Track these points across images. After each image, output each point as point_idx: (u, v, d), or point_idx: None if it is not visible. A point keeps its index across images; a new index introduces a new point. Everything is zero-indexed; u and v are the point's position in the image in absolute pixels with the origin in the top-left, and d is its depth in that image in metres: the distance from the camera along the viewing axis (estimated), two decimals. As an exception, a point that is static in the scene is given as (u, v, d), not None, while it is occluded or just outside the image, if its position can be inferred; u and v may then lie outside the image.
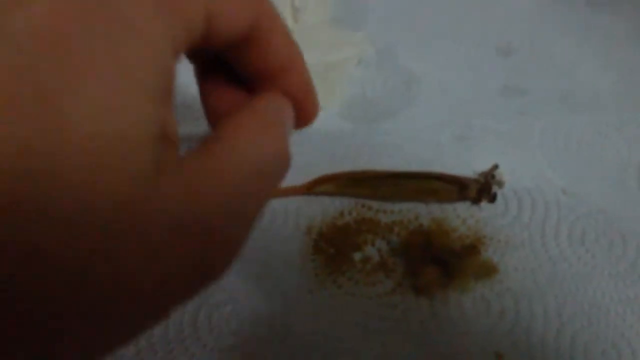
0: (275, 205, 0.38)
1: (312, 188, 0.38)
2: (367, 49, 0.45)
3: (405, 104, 0.43)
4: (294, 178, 0.38)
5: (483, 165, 0.38)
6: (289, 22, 0.45)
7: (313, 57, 0.41)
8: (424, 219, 0.37)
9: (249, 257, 0.35)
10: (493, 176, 0.37)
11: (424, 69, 0.45)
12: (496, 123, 0.41)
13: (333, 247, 0.36)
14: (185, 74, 0.21)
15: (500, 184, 0.37)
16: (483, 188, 0.37)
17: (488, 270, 0.35)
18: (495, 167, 0.37)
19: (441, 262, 0.35)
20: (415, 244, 0.36)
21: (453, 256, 0.35)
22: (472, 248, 0.35)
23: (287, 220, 0.37)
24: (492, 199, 0.37)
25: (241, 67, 0.20)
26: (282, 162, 0.19)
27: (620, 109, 0.42)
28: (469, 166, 0.39)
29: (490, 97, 0.43)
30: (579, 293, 0.34)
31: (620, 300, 0.34)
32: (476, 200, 0.37)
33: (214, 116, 0.22)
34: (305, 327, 0.33)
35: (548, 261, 0.35)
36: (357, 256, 0.36)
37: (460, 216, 0.37)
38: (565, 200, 0.38)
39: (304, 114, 0.22)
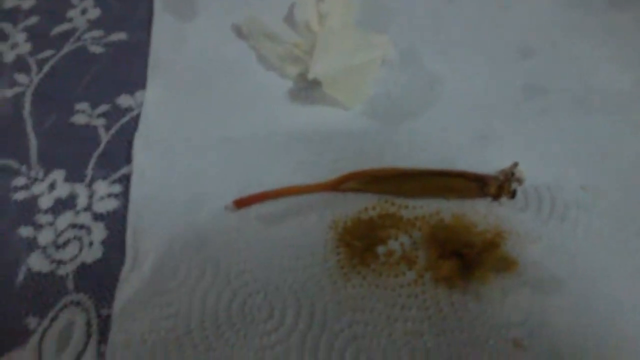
0: (303, 201, 0.39)
1: (338, 185, 0.39)
2: (391, 51, 0.47)
3: (428, 104, 0.44)
4: (320, 175, 0.40)
5: (503, 164, 0.39)
6: (315, 27, 0.47)
7: (339, 60, 0.43)
8: (445, 215, 0.39)
9: (279, 249, 0.38)
10: (513, 173, 0.38)
11: (446, 70, 0.46)
12: (516, 123, 0.43)
13: (358, 241, 0.38)
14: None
15: (520, 181, 0.38)
16: (503, 185, 0.38)
17: (507, 264, 0.36)
18: (515, 164, 0.38)
19: (461, 256, 0.36)
20: (436, 238, 0.37)
21: (473, 250, 0.36)
22: (491, 242, 0.36)
23: (314, 215, 0.39)
24: (512, 195, 0.38)
25: None
26: None
27: (638, 110, 0.43)
28: (489, 164, 0.40)
29: (511, 98, 0.44)
30: (595, 288, 0.35)
31: (638, 295, 0.35)
32: (496, 197, 0.39)
33: None
34: (329, 315, 0.35)
35: (566, 256, 0.36)
36: (381, 250, 0.37)
37: (481, 212, 0.39)
38: (584, 197, 0.39)
39: None
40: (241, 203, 0.39)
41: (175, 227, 0.39)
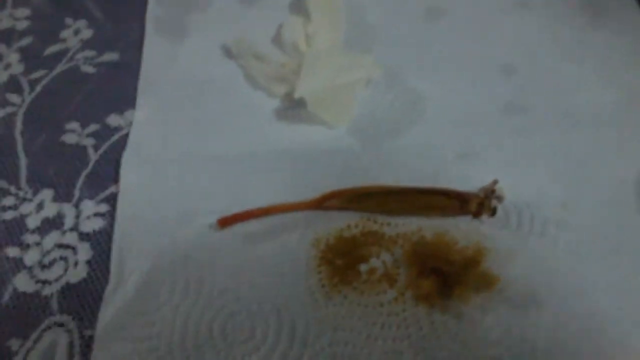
0: (286, 219, 0.40)
1: (321, 203, 0.40)
2: (376, 70, 0.47)
3: (411, 123, 0.45)
4: (304, 193, 0.40)
5: (484, 181, 0.39)
6: (303, 47, 0.47)
7: (325, 80, 0.44)
8: (427, 232, 0.39)
9: (261, 267, 0.38)
10: (493, 191, 0.39)
11: (429, 88, 0.47)
12: (498, 140, 0.43)
13: (340, 259, 0.38)
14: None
15: (500, 199, 0.38)
16: (483, 202, 0.38)
17: (487, 281, 0.36)
18: (495, 182, 0.38)
19: (441, 273, 0.36)
20: (417, 255, 0.37)
21: (453, 267, 0.36)
22: (472, 259, 0.37)
23: (296, 233, 0.39)
24: (492, 213, 0.38)
25: None
26: None
27: (620, 127, 0.43)
28: (471, 182, 0.40)
29: (493, 116, 0.45)
30: (574, 304, 0.35)
31: (618, 310, 0.35)
32: (477, 214, 0.39)
33: None
34: (310, 334, 0.35)
35: (545, 272, 0.37)
36: (363, 267, 0.38)
37: (462, 229, 0.39)
38: (564, 214, 0.39)
39: None
40: (225, 222, 0.39)
41: (161, 245, 0.39)
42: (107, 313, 0.36)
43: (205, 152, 0.44)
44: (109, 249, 0.39)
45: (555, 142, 0.43)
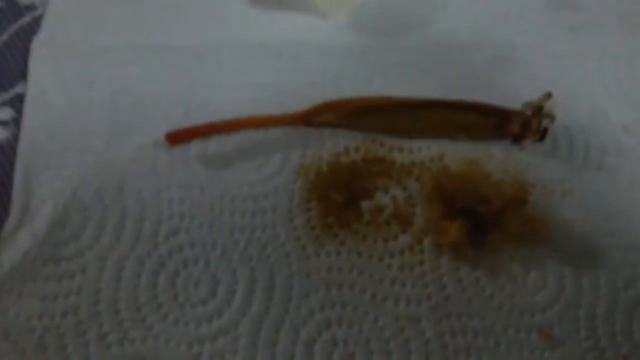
0: (263, 137, 0.30)
1: (311, 117, 0.30)
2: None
3: (431, 14, 0.35)
4: (287, 103, 0.31)
5: (527, 95, 0.30)
6: None
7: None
8: (451, 160, 0.30)
9: (227, 201, 0.28)
10: (541, 108, 0.29)
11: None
12: (544, 42, 0.35)
13: (335, 192, 0.29)
14: None
15: (552, 118, 0.30)
16: (529, 122, 0.29)
17: (532, 227, 0.28)
18: (549, 95, 0.29)
19: (472, 215, 0.27)
20: (440, 190, 0.28)
21: (491, 207, 0.27)
22: (515, 197, 0.28)
23: (277, 156, 0.30)
24: (541, 136, 0.30)
25: None
26: None
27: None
28: (509, 95, 0.31)
29: (537, 9, 0.36)
30: (638, 256, 0.28)
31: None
32: (519, 138, 0.30)
33: None
34: (295, 293, 0.26)
35: (604, 215, 0.29)
36: (366, 205, 0.29)
37: (498, 157, 0.30)
38: (627, 141, 0.31)
39: None
40: (177, 137, 0.29)
41: (85, 167, 0.29)
42: (6, 257, 0.27)
43: (150, 41, 0.34)
44: (12, 169, 0.29)
45: (616, 47, 0.34)
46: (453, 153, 0.30)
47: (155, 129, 0.30)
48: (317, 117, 0.30)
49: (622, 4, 0.36)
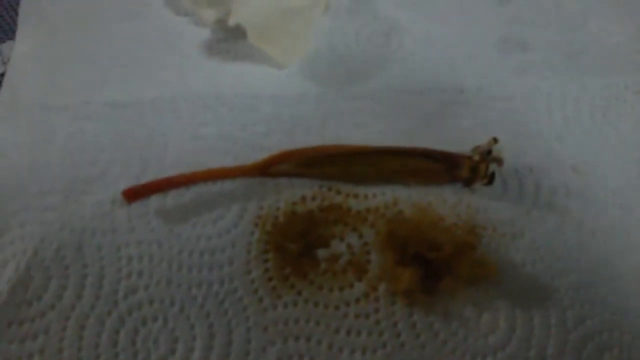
0: (218, 190, 0.30)
1: (267, 168, 0.30)
2: (337, -8, 0.37)
3: (383, 62, 0.35)
4: (243, 154, 0.31)
5: (477, 138, 0.31)
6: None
7: (269, 2, 0.33)
8: (405, 206, 0.30)
9: (185, 255, 0.29)
10: (490, 152, 0.30)
11: (406, 17, 0.37)
12: (493, 85, 0.35)
13: (292, 242, 0.29)
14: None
15: (499, 161, 0.30)
16: (478, 166, 0.30)
17: (483, 270, 0.28)
18: (494, 140, 0.30)
19: (425, 261, 0.28)
20: (393, 237, 0.29)
21: (441, 253, 0.28)
22: (464, 242, 0.29)
23: (234, 208, 0.30)
24: (489, 180, 0.30)
25: None
26: None
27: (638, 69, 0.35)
28: (461, 139, 0.32)
29: (486, 53, 0.36)
30: (593, 296, 0.28)
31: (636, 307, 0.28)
32: (469, 182, 0.31)
33: None
34: (253, 346, 0.27)
35: (552, 258, 0.29)
36: (322, 253, 0.29)
37: (449, 201, 0.31)
38: (576, 181, 0.32)
39: None
40: (134, 194, 0.29)
41: (46, 226, 0.29)
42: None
43: (107, 97, 0.33)
44: None
45: (563, 88, 0.35)
46: (407, 198, 0.30)
47: (114, 185, 0.30)
48: (273, 167, 0.30)
49: (571, 45, 0.36)
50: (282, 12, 0.33)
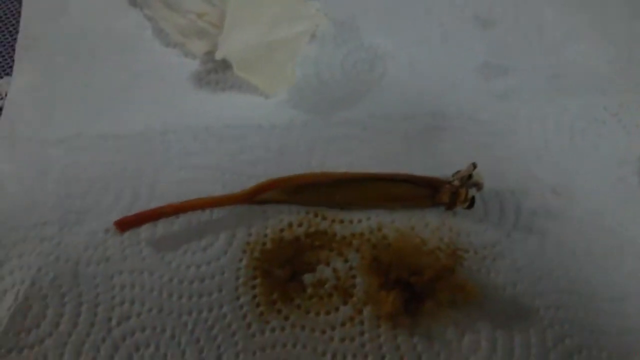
0: (207, 218, 0.31)
1: (255, 196, 0.31)
2: (323, 21, 0.38)
3: (368, 88, 0.37)
4: (231, 183, 0.32)
5: (460, 162, 0.32)
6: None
7: (254, 35, 0.34)
8: (389, 230, 0.31)
9: (176, 283, 0.29)
10: (470, 176, 0.31)
11: (391, 44, 0.39)
12: (474, 110, 0.36)
13: (279, 268, 0.30)
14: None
15: (479, 186, 0.31)
16: (458, 191, 0.31)
17: (464, 293, 0.29)
18: (473, 166, 0.30)
19: (408, 285, 0.29)
20: (378, 262, 0.30)
21: (423, 277, 0.28)
22: (445, 266, 0.29)
23: (223, 236, 0.31)
24: (470, 203, 0.31)
25: None
26: None
27: (618, 91, 0.36)
28: (442, 164, 0.33)
29: (469, 78, 0.37)
30: (573, 317, 0.29)
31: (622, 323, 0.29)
32: (450, 206, 0.32)
33: None
34: None
35: (532, 279, 0.30)
36: (309, 278, 0.30)
37: (432, 225, 0.32)
38: (556, 202, 0.32)
39: None
40: (126, 224, 0.30)
41: (44, 256, 0.30)
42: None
43: (100, 130, 0.34)
44: None
45: (543, 111, 0.36)
46: (390, 223, 0.31)
47: (106, 214, 0.31)
48: (261, 195, 0.31)
49: (551, 68, 0.37)
50: (268, 45, 0.34)
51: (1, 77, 0.37)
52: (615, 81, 0.37)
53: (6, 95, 0.36)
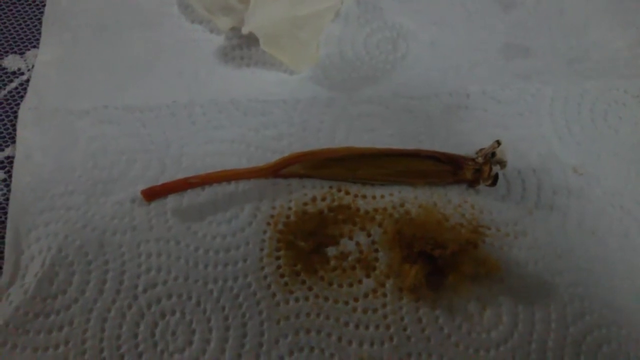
0: (234, 190, 0.32)
1: (279, 169, 0.32)
2: (346, 0, 0.38)
3: (391, 67, 0.37)
4: (257, 157, 0.33)
5: (481, 141, 0.32)
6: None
7: (280, 11, 0.35)
8: (412, 206, 0.32)
9: (201, 253, 0.30)
10: (493, 154, 0.31)
11: (413, 24, 0.38)
12: (497, 89, 0.35)
13: (303, 241, 0.30)
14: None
15: (502, 164, 0.31)
16: (482, 168, 0.31)
17: (486, 268, 0.29)
18: (497, 143, 0.31)
19: (431, 258, 0.29)
20: (400, 236, 0.30)
21: (445, 251, 0.29)
22: (467, 241, 0.30)
23: (247, 208, 0.31)
24: (493, 181, 0.31)
25: None
26: None
27: (639, 74, 0.36)
28: (465, 141, 0.33)
29: (490, 59, 0.37)
30: (592, 293, 0.29)
31: (633, 303, 0.29)
32: (473, 183, 0.32)
33: None
34: (265, 339, 0.28)
35: (555, 254, 0.30)
36: (332, 251, 0.30)
37: (454, 202, 0.32)
38: (577, 181, 0.33)
39: None
40: (153, 194, 0.31)
41: (70, 224, 0.31)
42: (0, 313, 0.28)
43: (127, 102, 0.35)
44: (4, 229, 0.31)
45: (564, 92, 0.36)
46: (413, 199, 0.32)
47: (133, 185, 0.31)
48: (285, 169, 0.32)
49: (572, 50, 0.37)
50: (292, 21, 0.34)
51: (29, 50, 0.37)
52: (636, 64, 0.36)
53: (33, 67, 0.36)
